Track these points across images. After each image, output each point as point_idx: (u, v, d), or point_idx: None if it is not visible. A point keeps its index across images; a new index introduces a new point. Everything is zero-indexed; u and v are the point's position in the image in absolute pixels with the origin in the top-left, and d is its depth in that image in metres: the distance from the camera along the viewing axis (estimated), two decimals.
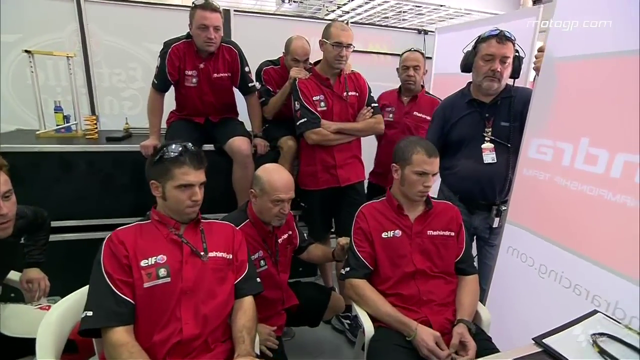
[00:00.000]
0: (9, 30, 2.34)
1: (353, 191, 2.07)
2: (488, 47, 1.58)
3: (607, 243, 1.23)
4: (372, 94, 2.08)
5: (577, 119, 1.30)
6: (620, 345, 0.97)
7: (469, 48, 1.69)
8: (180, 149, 1.15)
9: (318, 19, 3.54)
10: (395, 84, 2.32)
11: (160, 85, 1.99)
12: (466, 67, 1.69)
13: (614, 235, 1.20)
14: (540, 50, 1.42)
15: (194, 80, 1.99)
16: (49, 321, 1.05)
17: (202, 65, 1.97)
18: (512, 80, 1.66)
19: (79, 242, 2.02)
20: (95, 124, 2.17)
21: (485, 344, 1.23)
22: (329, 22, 2.08)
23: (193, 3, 1.82)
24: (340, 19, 9.17)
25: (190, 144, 1.21)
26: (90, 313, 1.01)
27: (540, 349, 0.99)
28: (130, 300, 1.04)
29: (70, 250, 1.97)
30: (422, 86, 2.28)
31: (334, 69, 1.95)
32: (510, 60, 1.59)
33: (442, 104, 1.83)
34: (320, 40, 1.93)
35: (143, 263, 1.07)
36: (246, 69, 2.08)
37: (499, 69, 1.57)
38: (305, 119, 1.93)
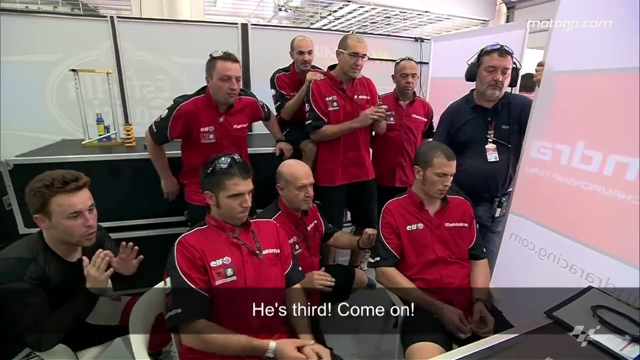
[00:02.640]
0: (49, 51, 2.35)
1: (365, 187, 2.11)
2: (491, 60, 1.65)
3: (600, 229, 1.31)
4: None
5: (574, 125, 1.38)
6: (614, 314, 1.07)
7: (473, 60, 1.75)
8: (229, 160, 1.19)
9: (327, 30, 3.56)
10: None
11: (158, 139, 1.77)
12: (471, 76, 1.75)
13: (606, 223, 1.29)
14: (540, 64, 1.48)
15: (211, 136, 1.78)
16: (141, 306, 1.14)
17: (221, 119, 1.78)
18: (510, 88, 1.74)
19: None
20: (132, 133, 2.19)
21: (499, 318, 1.32)
22: (339, 33, 2.09)
23: (211, 55, 1.68)
24: (330, 24, 9.09)
25: (237, 155, 1.24)
26: (179, 310, 1.05)
27: (551, 321, 1.09)
28: (208, 296, 1.10)
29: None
30: (414, 91, 2.32)
31: (348, 77, 1.98)
32: (509, 72, 1.66)
33: (448, 109, 1.88)
34: (337, 50, 1.95)
35: (212, 264, 1.13)
36: (261, 102, 2.03)
37: (500, 79, 1.64)
38: (311, 121, 1.99)
